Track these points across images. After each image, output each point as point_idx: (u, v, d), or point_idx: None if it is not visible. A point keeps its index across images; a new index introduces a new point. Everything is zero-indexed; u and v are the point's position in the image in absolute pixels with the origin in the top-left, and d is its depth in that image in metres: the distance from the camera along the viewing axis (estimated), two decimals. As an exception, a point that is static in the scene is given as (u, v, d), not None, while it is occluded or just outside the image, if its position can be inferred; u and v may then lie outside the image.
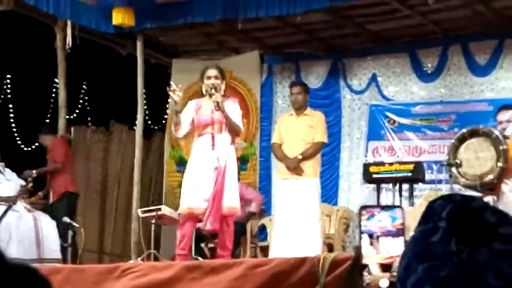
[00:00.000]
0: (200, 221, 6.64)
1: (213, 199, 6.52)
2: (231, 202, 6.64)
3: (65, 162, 9.27)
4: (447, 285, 1.29)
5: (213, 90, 6.66)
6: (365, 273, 4.44)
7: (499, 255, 1.31)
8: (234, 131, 6.73)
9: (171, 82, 7.04)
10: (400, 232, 4.63)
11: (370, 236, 4.60)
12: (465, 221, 1.35)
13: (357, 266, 4.49)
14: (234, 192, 6.67)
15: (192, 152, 6.85)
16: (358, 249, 4.53)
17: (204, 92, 6.83)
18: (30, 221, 8.10)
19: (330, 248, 8.81)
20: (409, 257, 1.36)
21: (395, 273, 4.18)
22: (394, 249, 4.52)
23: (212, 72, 6.80)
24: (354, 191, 9.94)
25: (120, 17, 8.86)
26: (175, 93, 6.67)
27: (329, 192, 9.88)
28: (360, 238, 4.61)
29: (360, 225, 4.59)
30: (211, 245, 8.41)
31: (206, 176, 6.58)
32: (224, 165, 6.58)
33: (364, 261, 4.51)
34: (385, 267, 4.47)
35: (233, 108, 6.81)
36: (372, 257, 4.53)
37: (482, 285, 1.28)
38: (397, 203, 7.68)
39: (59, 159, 9.27)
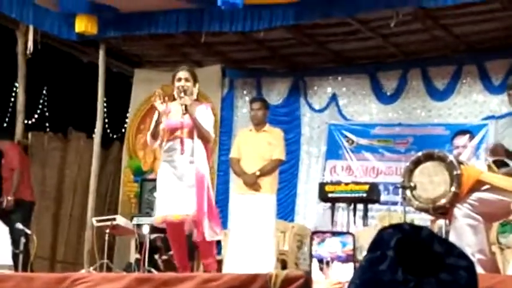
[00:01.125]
0: (179, 227, 6.26)
1: (208, 208, 6.14)
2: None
3: (20, 169, 9.11)
4: (393, 314, 1.30)
5: (182, 94, 6.30)
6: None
7: (446, 286, 1.32)
8: (203, 137, 6.30)
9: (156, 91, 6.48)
10: (350, 258, 4.65)
11: (320, 261, 4.60)
12: (413, 250, 1.36)
13: (306, 291, 4.48)
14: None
15: (162, 157, 6.40)
16: (307, 274, 4.53)
17: (175, 95, 6.42)
18: (-18, 226, 7.99)
19: (284, 264, 8.82)
20: (356, 285, 1.37)
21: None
22: (343, 275, 4.53)
23: (182, 74, 6.41)
24: (310, 209, 9.97)
25: (83, 25, 8.81)
26: (157, 99, 6.26)
27: (286, 210, 9.91)
28: (310, 262, 4.62)
29: (310, 250, 4.60)
30: (164, 257, 8.37)
31: (185, 182, 6.18)
32: (203, 173, 6.20)
33: (314, 286, 4.51)
34: (334, 293, 4.48)
35: (204, 114, 6.40)
36: (321, 283, 4.53)
37: (429, 316, 1.30)
38: (351, 223, 7.73)
39: (15, 165, 9.13)
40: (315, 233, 4.81)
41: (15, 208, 8.88)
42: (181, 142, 6.26)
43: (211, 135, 6.44)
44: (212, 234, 6.22)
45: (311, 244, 4.60)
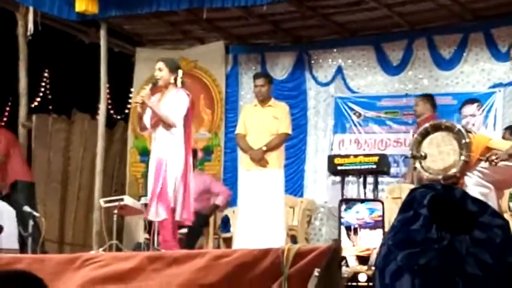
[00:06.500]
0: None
1: (160, 190, 6.57)
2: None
3: (7, 152, 9.10)
4: (427, 272, 1.28)
5: (158, 82, 6.76)
6: (343, 266, 4.41)
7: (479, 243, 1.30)
8: (164, 123, 6.67)
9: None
10: (378, 224, 4.61)
11: (348, 228, 4.57)
12: (446, 208, 1.35)
13: (336, 258, 4.44)
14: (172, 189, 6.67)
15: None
16: (336, 242, 4.48)
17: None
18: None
19: (293, 239, 8.80)
20: (388, 246, 1.34)
21: (373, 267, 4.16)
22: (372, 241, 4.50)
23: (157, 65, 6.84)
24: (319, 184, 9.93)
25: (83, 4, 8.74)
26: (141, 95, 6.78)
27: (295, 185, 9.87)
28: (339, 230, 4.59)
29: (339, 218, 4.56)
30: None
31: (151, 168, 6.75)
32: (162, 158, 6.60)
33: (342, 253, 4.48)
34: (363, 260, 4.44)
35: (172, 99, 6.73)
36: (350, 249, 4.50)
37: (462, 273, 1.28)
38: (361, 195, 7.68)
39: (2, 151, 9.09)
40: (343, 200, 4.76)
41: (16, 190, 8.88)
42: (155, 130, 6.74)
43: (172, 121, 6.64)
44: (154, 215, 6.61)
45: (339, 211, 4.56)
